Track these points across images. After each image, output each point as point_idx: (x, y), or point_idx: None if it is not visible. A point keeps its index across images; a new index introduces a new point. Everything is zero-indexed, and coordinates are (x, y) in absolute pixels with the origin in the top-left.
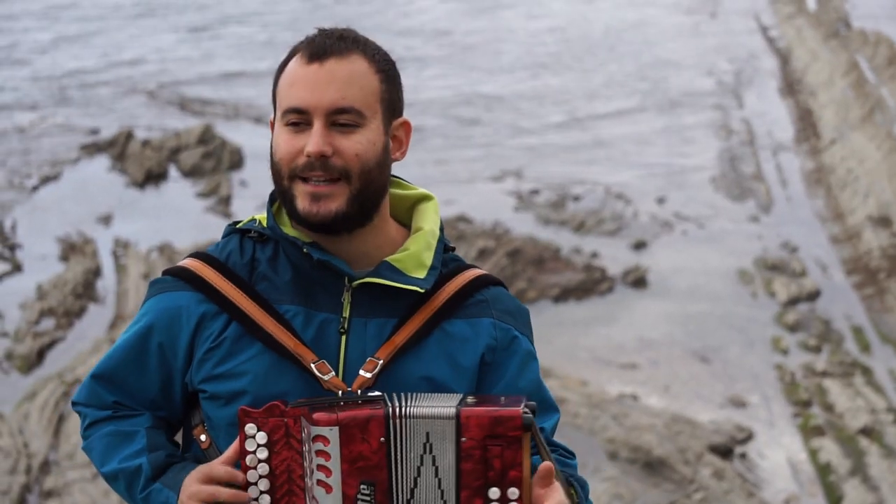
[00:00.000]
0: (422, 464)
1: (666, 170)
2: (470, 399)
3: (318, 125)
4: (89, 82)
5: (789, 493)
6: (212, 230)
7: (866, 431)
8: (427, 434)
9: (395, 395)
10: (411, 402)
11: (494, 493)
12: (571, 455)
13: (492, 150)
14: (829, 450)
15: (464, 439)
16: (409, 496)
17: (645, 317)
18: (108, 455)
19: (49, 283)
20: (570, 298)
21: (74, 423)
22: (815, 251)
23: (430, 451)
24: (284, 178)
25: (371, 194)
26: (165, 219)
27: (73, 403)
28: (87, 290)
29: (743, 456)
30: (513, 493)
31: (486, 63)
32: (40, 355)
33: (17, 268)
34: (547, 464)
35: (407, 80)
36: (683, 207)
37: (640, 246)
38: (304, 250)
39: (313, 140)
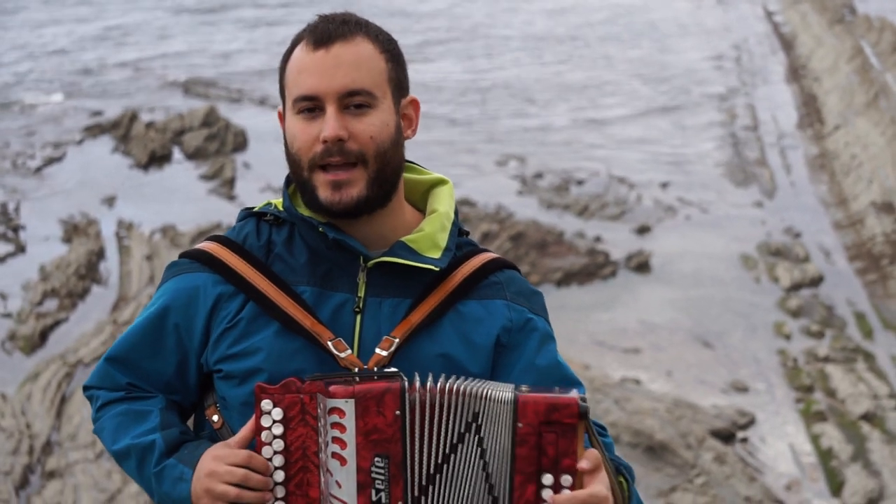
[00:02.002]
0: (461, 441)
1: (670, 155)
2: (524, 387)
3: (331, 110)
4: (92, 63)
5: (791, 478)
6: (215, 212)
7: (868, 417)
8: (475, 414)
9: (420, 374)
10: (456, 381)
11: (548, 479)
12: (604, 429)
13: (496, 135)
14: (831, 435)
15: (520, 424)
16: (432, 470)
17: (648, 301)
18: (119, 433)
19: (52, 265)
20: (572, 283)
21: (76, 404)
22: (819, 237)
23: (477, 432)
24: (304, 170)
25: (389, 175)
26: (169, 200)
27: (85, 388)
28: (90, 272)
29: (745, 441)
30: (566, 480)
31: (490, 48)
32: (43, 336)
33: (20, 249)
34: (593, 451)
35: (413, 63)
36: (687, 192)
37: (643, 230)
38: (320, 229)
39: (328, 125)
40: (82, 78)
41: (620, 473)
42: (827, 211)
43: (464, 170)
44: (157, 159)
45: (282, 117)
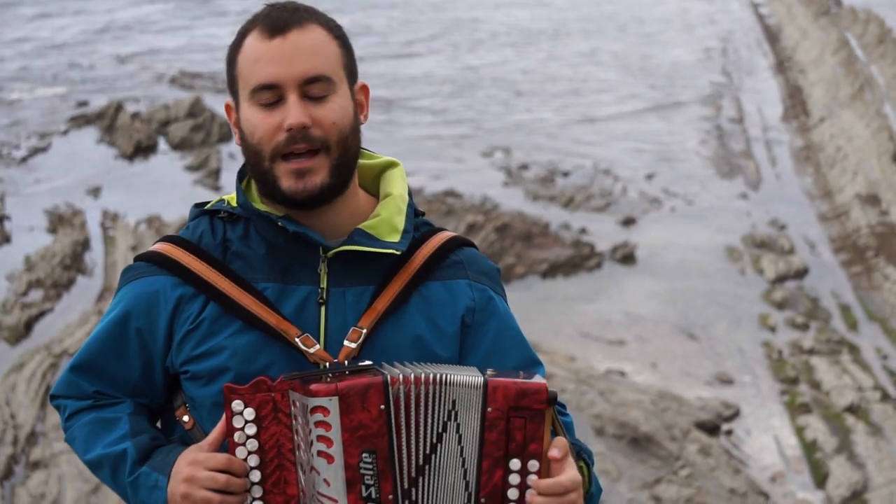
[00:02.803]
0: (444, 430)
1: (655, 147)
2: (489, 371)
3: (293, 97)
4: (78, 54)
5: (775, 470)
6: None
7: (853, 409)
8: (454, 402)
9: (397, 364)
10: (431, 369)
11: (515, 464)
12: (563, 407)
13: (481, 126)
14: (816, 427)
15: (489, 409)
16: (420, 462)
17: (633, 293)
18: (90, 442)
19: (37, 255)
20: (558, 274)
21: None
22: (804, 229)
23: (455, 419)
24: (265, 160)
25: (349, 161)
26: (154, 191)
27: (52, 397)
28: (75, 262)
29: (729, 433)
30: (532, 465)
31: (475, 39)
32: (28, 326)
33: (5, 239)
34: (561, 439)
35: (398, 55)
36: (672, 184)
37: (628, 222)
38: (279, 223)
39: (292, 112)
40: (67, 69)
41: (581, 458)
42: (812, 203)
43: (449, 161)
44: (143, 150)
45: (230, 110)
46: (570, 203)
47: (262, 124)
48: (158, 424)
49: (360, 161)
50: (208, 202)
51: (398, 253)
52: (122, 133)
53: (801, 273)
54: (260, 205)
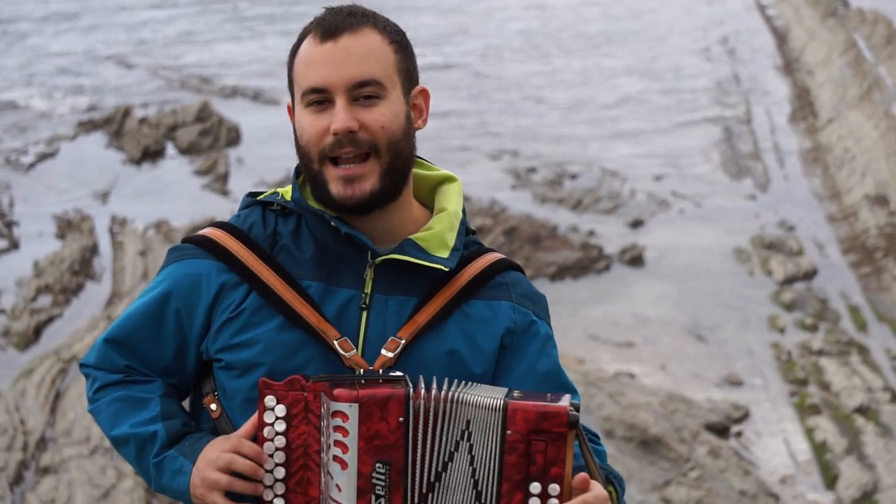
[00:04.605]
0: (456, 449)
1: (663, 148)
2: (516, 393)
3: (340, 102)
4: (84, 59)
5: (785, 472)
6: (209, 207)
7: (862, 410)
8: (468, 422)
9: (424, 378)
10: (453, 388)
11: (535, 487)
12: (597, 437)
13: (489, 128)
14: (825, 429)
15: (509, 432)
16: (431, 478)
17: (641, 295)
18: (118, 419)
19: (46, 260)
20: (566, 277)
21: (71, 399)
22: (812, 230)
23: (468, 440)
24: (314, 162)
25: (400, 166)
26: (162, 196)
27: (82, 365)
28: (83, 268)
29: (739, 435)
30: (553, 489)
31: (484, 40)
32: (37, 332)
33: (13, 245)
34: (583, 475)
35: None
36: (680, 186)
37: (636, 224)
38: (332, 223)
39: (338, 117)
40: (75, 74)
41: (610, 483)
42: (820, 204)
43: (457, 164)
44: (151, 155)
45: (291, 111)
46: (578, 205)
47: (310, 127)
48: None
49: (417, 171)
50: (262, 192)
51: (446, 269)
52: (130, 138)
53: (810, 274)
54: (314, 203)
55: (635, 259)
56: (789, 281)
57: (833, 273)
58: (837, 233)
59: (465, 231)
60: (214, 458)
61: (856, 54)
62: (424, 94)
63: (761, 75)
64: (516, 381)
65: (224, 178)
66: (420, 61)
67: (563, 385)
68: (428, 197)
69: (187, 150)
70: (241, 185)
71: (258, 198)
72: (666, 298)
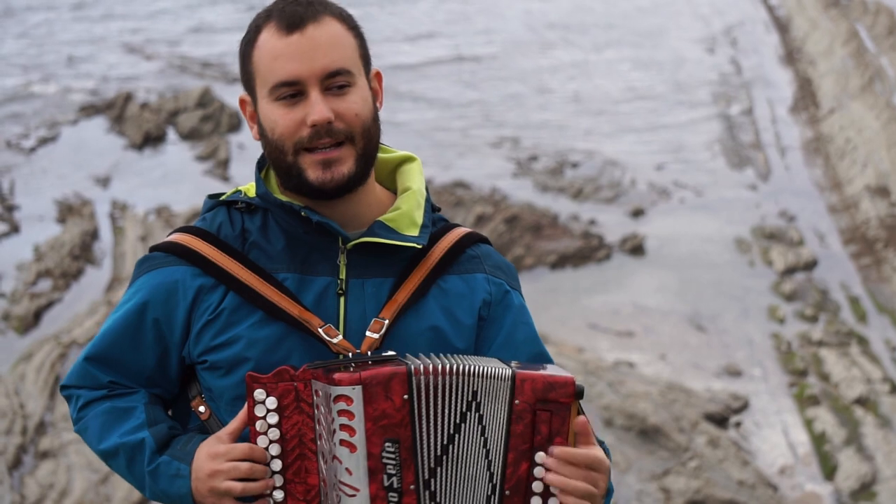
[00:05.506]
0: (463, 421)
1: (664, 137)
2: (514, 363)
3: (314, 93)
4: (87, 44)
5: (784, 463)
6: (210, 193)
7: (861, 401)
8: (474, 392)
9: (414, 355)
10: (453, 361)
11: (540, 457)
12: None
13: (490, 117)
14: (825, 419)
15: (516, 402)
16: (439, 452)
17: (642, 284)
18: (105, 431)
19: (46, 245)
20: (567, 265)
21: None
22: (813, 220)
23: (477, 410)
24: (288, 154)
25: (372, 150)
26: (163, 181)
27: (63, 387)
28: (84, 252)
29: (738, 425)
30: None
31: (484, 29)
32: (37, 316)
33: (14, 229)
34: (583, 418)
35: (407, 44)
36: (681, 175)
37: (637, 213)
38: (303, 213)
39: (316, 109)
40: (77, 59)
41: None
42: (821, 194)
43: (458, 152)
44: (152, 140)
45: (246, 104)
46: (578, 194)
47: (284, 120)
48: (170, 414)
49: (378, 154)
50: (223, 193)
51: (419, 247)
52: (132, 123)
53: (811, 265)
54: (280, 195)
55: (636, 248)
56: (790, 271)
57: (833, 264)
58: (838, 223)
59: (431, 208)
60: (228, 468)
61: (858, 45)
62: (378, 76)
63: (763, 65)
64: (497, 352)
65: (225, 163)
66: (422, 50)
67: (540, 354)
68: (388, 179)
69: (189, 136)
70: (242, 171)
71: (221, 198)
72: (666, 288)
